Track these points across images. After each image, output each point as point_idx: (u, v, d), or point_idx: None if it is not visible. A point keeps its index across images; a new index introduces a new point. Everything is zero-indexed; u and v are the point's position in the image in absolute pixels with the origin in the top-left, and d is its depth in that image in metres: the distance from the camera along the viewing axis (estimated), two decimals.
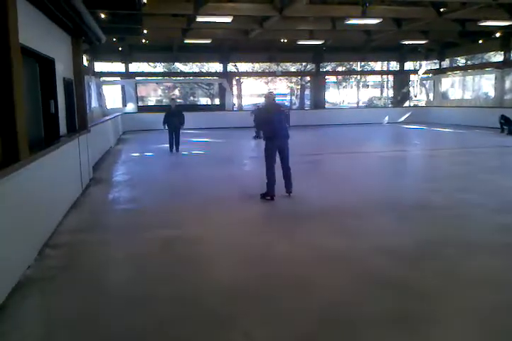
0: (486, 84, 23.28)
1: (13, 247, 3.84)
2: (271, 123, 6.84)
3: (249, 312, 3.35)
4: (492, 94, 22.01)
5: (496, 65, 21.50)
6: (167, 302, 3.54)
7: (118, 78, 23.23)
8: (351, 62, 34.60)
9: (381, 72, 41.00)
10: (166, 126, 12.77)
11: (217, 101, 27.87)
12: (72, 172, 7.13)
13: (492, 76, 21.68)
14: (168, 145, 12.92)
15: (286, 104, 41.30)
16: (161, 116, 13.18)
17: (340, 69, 37.86)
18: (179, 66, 33.64)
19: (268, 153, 6.90)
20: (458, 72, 25.78)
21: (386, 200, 6.78)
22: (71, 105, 7.97)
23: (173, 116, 12.57)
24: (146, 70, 30.67)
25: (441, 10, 14.29)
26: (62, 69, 7.25)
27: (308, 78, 31.50)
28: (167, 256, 4.56)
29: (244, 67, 35.38)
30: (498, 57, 28.06)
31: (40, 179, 4.90)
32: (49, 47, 6.37)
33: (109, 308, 3.46)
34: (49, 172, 5.40)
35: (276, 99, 7.61)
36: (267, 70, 34.67)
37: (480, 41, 20.95)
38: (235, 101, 31.53)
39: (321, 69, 26.63)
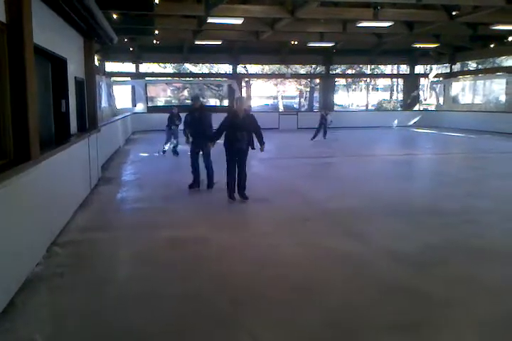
0: (497, 88, 23.10)
1: (22, 245, 3.86)
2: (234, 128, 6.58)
3: (255, 312, 3.36)
4: (503, 98, 21.85)
5: (508, 70, 21.33)
6: (173, 299, 3.56)
7: (128, 78, 23.36)
8: (361, 65, 34.53)
9: (391, 76, 40.92)
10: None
11: (225, 103, 27.93)
12: (82, 171, 7.17)
13: (503, 81, 21.51)
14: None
15: (295, 106, 41.34)
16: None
17: (350, 71, 37.86)
18: (189, 67, 33.80)
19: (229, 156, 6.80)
20: (469, 76, 25.63)
21: (396, 204, 6.74)
22: (82, 104, 8.01)
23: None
24: (156, 71, 30.79)
25: (454, 13, 14.18)
26: (74, 69, 7.29)
27: (317, 80, 31.47)
28: (174, 255, 4.56)
29: (253, 68, 35.48)
30: (509, 61, 27.90)
31: (50, 177, 4.93)
32: (62, 47, 6.41)
33: (117, 305, 3.48)
34: (59, 171, 5.44)
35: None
36: (276, 72, 34.74)
37: (492, 45, 20.79)
38: None
39: (330, 72, 26.61)
